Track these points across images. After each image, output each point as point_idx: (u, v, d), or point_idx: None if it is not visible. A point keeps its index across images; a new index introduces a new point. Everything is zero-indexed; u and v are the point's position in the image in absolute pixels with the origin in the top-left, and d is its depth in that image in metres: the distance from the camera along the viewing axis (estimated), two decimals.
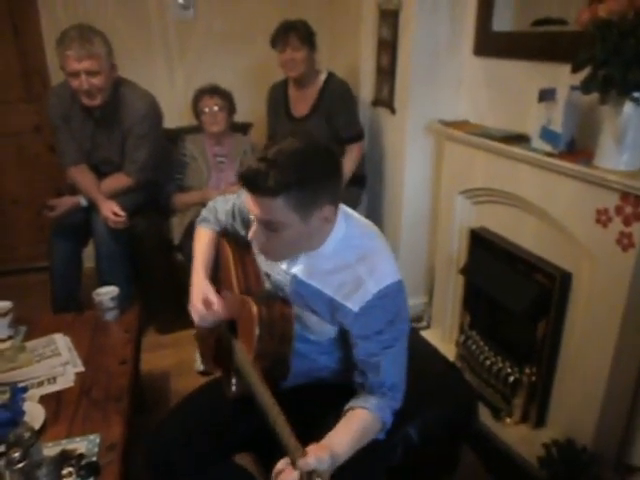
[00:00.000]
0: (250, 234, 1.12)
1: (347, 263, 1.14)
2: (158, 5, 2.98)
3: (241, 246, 1.41)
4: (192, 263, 1.41)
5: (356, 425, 1.11)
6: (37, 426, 1.31)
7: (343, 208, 1.19)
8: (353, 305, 1.13)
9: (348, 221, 1.18)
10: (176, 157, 2.58)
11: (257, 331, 1.17)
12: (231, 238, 1.44)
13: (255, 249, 1.29)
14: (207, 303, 1.30)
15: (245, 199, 1.14)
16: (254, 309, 1.18)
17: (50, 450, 1.24)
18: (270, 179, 0.98)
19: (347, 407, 1.16)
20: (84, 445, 1.29)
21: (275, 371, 1.21)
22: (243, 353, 1.24)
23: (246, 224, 1.37)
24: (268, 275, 1.27)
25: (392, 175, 2.60)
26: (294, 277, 1.20)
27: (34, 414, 1.35)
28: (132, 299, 2.31)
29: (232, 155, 2.61)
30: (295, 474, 0.92)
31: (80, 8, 2.85)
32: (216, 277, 1.45)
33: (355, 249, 1.15)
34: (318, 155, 1.05)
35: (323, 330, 1.23)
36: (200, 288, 1.34)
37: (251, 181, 1.02)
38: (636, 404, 1.60)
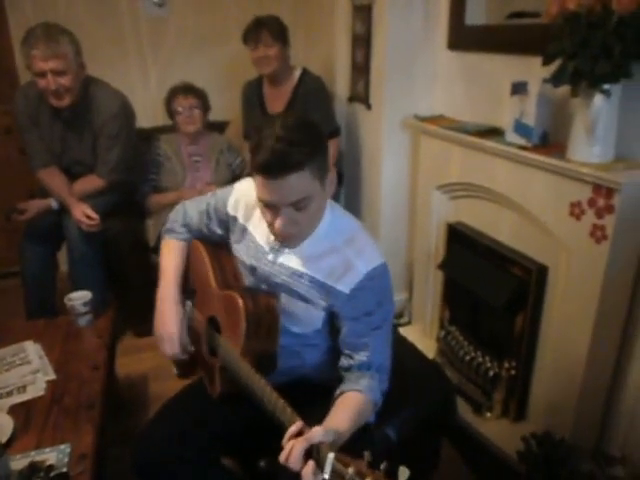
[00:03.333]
0: (277, 225, 1.10)
1: (335, 246, 1.17)
2: (130, 3, 2.92)
3: (216, 245, 1.39)
4: (160, 277, 1.39)
5: (350, 406, 1.11)
6: (5, 438, 1.27)
7: None
8: (344, 287, 1.15)
9: (332, 205, 1.22)
10: (150, 157, 2.54)
11: (244, 325, 1.17)
12: (205, 238, 1.42)
13: (248, 250, 1.28)
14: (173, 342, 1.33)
15: (258, 194, 1.12)
16: (240, 302, 1.18)
17: (18, 463, 1.20)
18: (295, 153, 1.02)
19: (338, 392, 1.16)
20: (54, 456, 1.25)
21: (262, 365, 1.20)
22: (229, 348, 1.23)
23: (223, 222, 1.37)
24: (254, 268, 1.26)
25: (369, 171, 2.58)
26: (282, 266, 1.21)
27: (2, 425, 1.31)
28: (107, 303, 2.27)
29: (208, 154, 2.57)
30: (304, 443, 0.90)
31: (49, 6, 2.78)
32: (186, 283, 1.43)
33: (342, 232, 1.19)
34: (311, 123, 1.11)
35: (309, 319, 1.22)
36: (171, 320, 1.34)
37: (279, 163, 1.02)
38: (613, 395, 1.61)
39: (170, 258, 1.41)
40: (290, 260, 1.20)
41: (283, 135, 1.02)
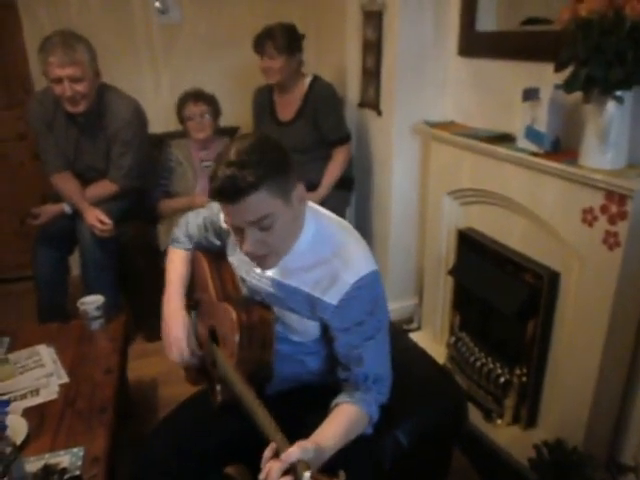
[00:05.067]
0: (245, 248, 1.10)
1: (322, 258, 1.15)
2: (143, 10, 2.96)
3: (216, 255, 1.41)
4: (165, 286, 1.41)
5: (341, 419, 1.11)
6: (19, 440, 1.29)
7: (311, 206, 1.21)
8: (331, 299, 1.13)
9: (317, 217, 1.20)
10: (162, 162, 2.56)
11: (237, 337, 1.17)
12: (206, 249, 1.44)
13: (239, 264, 1.29)
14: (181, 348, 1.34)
15: (223, 217, 1.14)
16: (233, 315, 1.19)
17: (32, 465, 1.22)
18: (247, 176, 1.00)
19: (333, 404, 1.16)
20: (68, 459, 1.27)
21: (259, 375, 1.21)
22: (225, 360, 1.23)
23: (218, 234, 1.38)
24: (244, 280, 1.28)
25: (380, 177, 2.59)
26: (270, 279, 1.21)
27: (16, 428, 1.32)
28: (119, 307, 2.29)
29: None
30: (280, 463, 0.92)
31: (63, 13, 2.82)
32: (191, 291, 1.45)
33: (328, 244, 1.16)
34: (269, 143, 1.08)
35: (306, 329, 1.22)
36: (177, 325, 1.35)
37: (231, 188, 1.01)
38: (626, 402, 1.60)
39: (174, 267, 1.43)
40: (277, 273, 1.19)
41: (234, 160, 1.01)
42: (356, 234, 1.22)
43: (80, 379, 1.58)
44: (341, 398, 1.15)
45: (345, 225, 1.24)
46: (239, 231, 1.09)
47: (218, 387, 1.28)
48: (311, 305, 1.17)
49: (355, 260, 1.14)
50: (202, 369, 1.41)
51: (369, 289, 1.14)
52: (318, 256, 1.15)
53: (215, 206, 1.38)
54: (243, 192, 1.01)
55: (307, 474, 0.87)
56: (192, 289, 1.46)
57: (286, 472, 0.91)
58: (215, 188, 1.03)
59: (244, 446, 1.33)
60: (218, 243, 1.39)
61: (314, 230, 1.17)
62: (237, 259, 1.29)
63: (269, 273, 1.20)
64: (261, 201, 1.02)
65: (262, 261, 1.15)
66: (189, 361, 1.36)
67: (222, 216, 1.31)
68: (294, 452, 0.92)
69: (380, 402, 1.18)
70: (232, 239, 1.30)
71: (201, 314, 1.43)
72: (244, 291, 1.30)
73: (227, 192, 1.02)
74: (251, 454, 1.34)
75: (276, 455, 0.94)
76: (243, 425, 1.25)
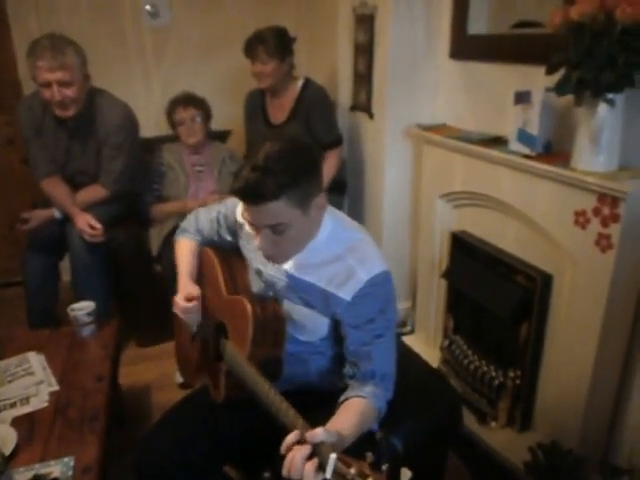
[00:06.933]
0: (257, 244, 1.14)
1: (337, 255, 1.18)
2: (133, 14, 2.94)
3: (227, 251, 1.42)
4: (177, 274, 1.43)
5: (354, 411, 1.11)
6: (8, 451, 1.26)
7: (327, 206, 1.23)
8: (345, 294, 1.16)
9: (334, 216, 1.23)
10: (153, 167, 2.54)
11: (251, 330, 1.18)
12: (215, 245, 1.44)
13: (254, 256, 1.30)
14: (189, 298, 1.35)
15: (242, 211, 1.18)
16: (248, 308, 1.20)
17: (22, 476, 1.20)
18: (269, 184, 1.03)
19: (342, 399, 1.16)
20: (58, 468, 1.24)
21: (268, 371, 1.20)
22: (235, 353, 1.23)
23: (233, 231, 1.40)
24: (260, 272, 1.29)
25: (372, 180, 2.59)
26: (285, 272, 1.23)
27: (5, 438, 1.30)
28: (111, 313, 2.26)
29: (211, 164, 2.57)
30: (306, 447, 0.90)
31: (53, 16, 2.80)
32: (200, 284, 1.44)
33: (344, 241, 1.20)
34: (300, 150, 1.10)
35: (315, 327, 1.24)
36: (183, 288, 1.38)
37: (251, 192, 1.05)
38: (619, 405, 1.60)
39: (182, 255, 1.46)
40: (292, 268, 1.22)
41: (261, 164, 1.03)
42: (368, 234, 1.26)
43: (71, 387, 1.55)
44: (350, 393, 1.16)
45: (359, 227, 1.28)
46: (254, 227, 1.14)
47: (223, 383, 1.27)
48: (325, 300, 1.19)
49: (370, 259, 1.18)
50: (201, 366, 1.41)
51: (381, 287, 1.17)
52: (334, 253, 1.19)
53: (229, 201, 1.40)
54: (263, 199, 1.04)
55: (333, 455, 0.84)
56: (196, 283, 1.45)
57: (309, 457, 0.89)
58: (237, 188, 1.07)
59: (246, 445, 1.33)
60: (230, 239, 1.41)
61: (330, 229, 1.20)
62: (253, 251, 1.31)
63: (285, 267, 1.22)
64: (279, 210, 1.06)
65: (271, 257, 1.18)
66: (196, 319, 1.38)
67: (238, 210, 1.35)
68: (319, 432, 0.90)
69: (387, 398, 1.19)
70: (246, 232, 1.32)
71: (207, 310, 1.42)
72: (260, 285, 1.31)
73: (246, 196, 1.07)
74: (252, 455, 1.35)
75: (300, 442, 0.92)
76: (243, 424, 1.28)
